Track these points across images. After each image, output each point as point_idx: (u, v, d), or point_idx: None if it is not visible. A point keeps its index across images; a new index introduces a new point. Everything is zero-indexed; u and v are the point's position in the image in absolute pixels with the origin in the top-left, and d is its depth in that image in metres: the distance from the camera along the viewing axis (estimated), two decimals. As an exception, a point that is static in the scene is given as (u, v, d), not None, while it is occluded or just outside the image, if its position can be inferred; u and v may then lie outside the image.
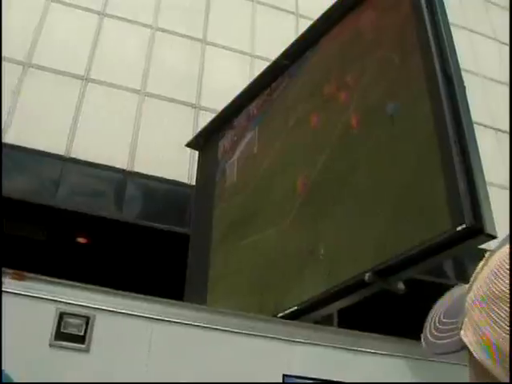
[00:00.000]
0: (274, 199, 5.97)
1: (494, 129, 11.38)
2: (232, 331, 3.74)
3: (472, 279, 0.89)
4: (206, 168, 7.75)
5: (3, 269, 3.40)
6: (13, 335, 3.12)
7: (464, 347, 0.85)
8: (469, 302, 0.86)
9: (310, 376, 3.76)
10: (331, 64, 6.05)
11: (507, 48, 12.67)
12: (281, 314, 4.77)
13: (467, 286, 0.92)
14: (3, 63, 9.00)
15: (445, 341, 0.91)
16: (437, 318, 0.96)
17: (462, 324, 0.85)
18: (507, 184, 9.78)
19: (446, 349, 0.90)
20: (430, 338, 0.94)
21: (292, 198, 5.65)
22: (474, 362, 0.85)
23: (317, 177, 5.42)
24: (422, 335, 0.97)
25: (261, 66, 8.05)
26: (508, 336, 0.76)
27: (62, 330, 3.38)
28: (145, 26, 10.64)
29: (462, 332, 0.85)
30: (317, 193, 5.35)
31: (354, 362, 3.98)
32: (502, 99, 11.66)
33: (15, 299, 3.35)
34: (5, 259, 3.76)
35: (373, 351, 4.00)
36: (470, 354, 0.84)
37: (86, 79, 9.59)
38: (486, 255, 0.89)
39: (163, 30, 10.74)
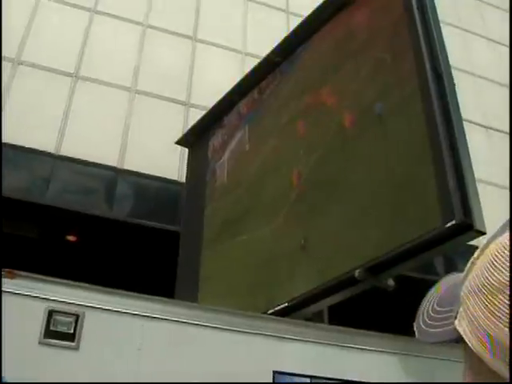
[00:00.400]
0: (266, 198, 5.97)
1: (486, 127, 11.42)
2: (223, 328, 3.73)
3: (467, 268, 0.89)
4: (196, 165, 7.75)
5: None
6: (2, 333, 3.11)
7: (458, 337, 0.84)
8: (464, 292, 0.85)
9: (301, 373, 3.76)
10: (322, 62, 6.05)
11: (500, 47, 12.72)
12: (271, 311, 4.78)
13: (461, 274, 0.91)
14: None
15: (438, 329, 0.90)
16: (430, 306, 0.95)
17: (457, 313, 0.85)
18: (495, 181, 9.83)
19: (439, 337, 0.90)
20: (422, 326, 0.94)
21: (284, 195, 5.65)
22: (468, 352, 0.85)
23: (308, 175, 5.43)
24: (415, 323, 0.97)
25: (252, 64, 8.05)
26: (504, 327, 0.76)
27: (51, 328, 3.37)
28: (136, 23, 10.62)
29: (456, 321, 0.84)
30: (308, 191, 5.36)
31: (345, 358, 3.98)
32: (493, 97, 11.72)
33: (5, 297, 3.34)
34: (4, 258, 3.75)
35: (364, 348, 4.00)
36: (465, 343, 0.83)
37: (76, 76, 9.56)
38: (482, 245, 0.88)
39: (154, 28, 10.72)
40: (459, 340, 0.85)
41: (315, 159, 5.40)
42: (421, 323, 0.95)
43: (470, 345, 0.81)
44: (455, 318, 0.85)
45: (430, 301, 0.97)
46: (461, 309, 0.85)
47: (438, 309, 0.93)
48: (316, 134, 5.55)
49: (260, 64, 7.18)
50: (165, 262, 7.19)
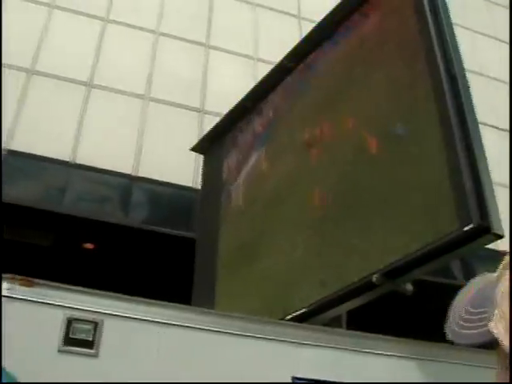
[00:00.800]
0: (284, 215, 5.88)
1: (500, 129, 11.38)
2: (241, 335, 3.73)
3: (499, 271, 0.88)
4: (212, 172, 7.75)
5: (12, 275, 3.41)
6: (21, 341, 3.13)
7: (492, 339, 0.84)
8: (500, 295, 0.84)
9: (319, 378, 3.75)
10: (335, 73, 5.98)
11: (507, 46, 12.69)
12: (289, 317, 4.77)
13: (491, 275, 0.91)
14: (6, 70, 9.05)
15: (472, 331, 0.89)
16: (462, 309, 0.95)
17: (492, 316, 0.84)
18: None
19: (473, 339, 0.89)
20: (455, 328, 0.93)
21: (302, 213, 5.59)
22: (503, 355, 0.84)
23: (329, 190, 5.34)
24: (447, 325, 0.96)
25: (264, 69, 8.06)
26: None
27: (70, 336, 3.38)
28: (148, 31, 10.68)
29: (492, 324, 0.84)
30: (328, 204, 5.29)
31: (363, 363, 3.97)
32: (505, 98, 11.68)
33: (23, 305, 3.36)
34: (12, 266, 3.77)
35: (382, 352, 3.99)
36: (499, 345, 0.82)
37: (89, 85, 9.62)
38: None
39: (166, 35, 10.78)
40: (493, 342, 0.84)
41: (334, 172, 5.33)
42: (453, 325, 0.94)
43: (505, 347, 0.81)
44: (490, 320, 0.85)
45: (462, 303, 0.96)
46: (496, 311, 0.84)
47: (472, 310, 0.93)
48: (333, 152, 5.48)
49: (273, 70, 7.17)
50: (181, 268, 7.20)
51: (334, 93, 5.80)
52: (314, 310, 4.70)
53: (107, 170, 8.70)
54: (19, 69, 9.31)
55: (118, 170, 8.80)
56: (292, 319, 4.67)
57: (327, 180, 5.39)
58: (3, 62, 9.09)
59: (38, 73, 9.47)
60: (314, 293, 4.84)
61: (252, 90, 7.50)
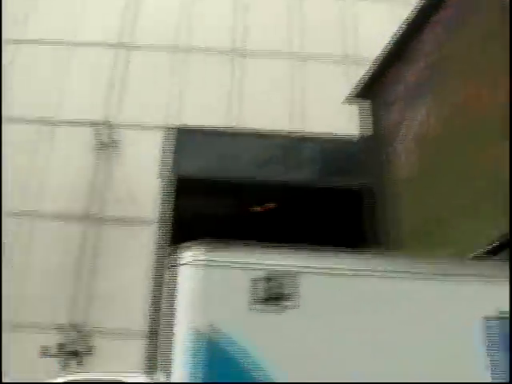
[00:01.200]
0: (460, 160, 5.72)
1: None
2: (430, 278, 3.72)
3: None
4: (372, 122, 7.69)
5: (205, 241, 3.59)
6: (226, 302, 3.35)
7: None
8: None
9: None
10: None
11: None
12: (475, 254, 4.69)
13: None
14: (160, 54, 9.48)
15: None
16: None
17: None
18: None
19: None
20: None
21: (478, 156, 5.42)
22: None
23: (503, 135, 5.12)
24: None
25: (409, 8, 7.82)
26: None
27: (268, 292, 3.54)
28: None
29: None
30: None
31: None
32: None
33: (220, 270, 3.55)
34: (204, 235, 3.94)
35: None
36: None
37: (239, 53, 9.83)
38: None
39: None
40: None
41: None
42: None
43: None
44: None
45: None
46: None
47: None
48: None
49: (417, 10, 6.89)
50: (349, 219, 7.24)
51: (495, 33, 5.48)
52: (505, 243, 4.57)
53: (270, 133, 8.83)
54: (165, 50, 9.68)
55: (280, 131, 8.91)
56: (481, 256, 4.59)
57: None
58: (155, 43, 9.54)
59: (184, 49, 9.79)
60: (502, 226, 4.72)
61: (398, 32, 7.26)
